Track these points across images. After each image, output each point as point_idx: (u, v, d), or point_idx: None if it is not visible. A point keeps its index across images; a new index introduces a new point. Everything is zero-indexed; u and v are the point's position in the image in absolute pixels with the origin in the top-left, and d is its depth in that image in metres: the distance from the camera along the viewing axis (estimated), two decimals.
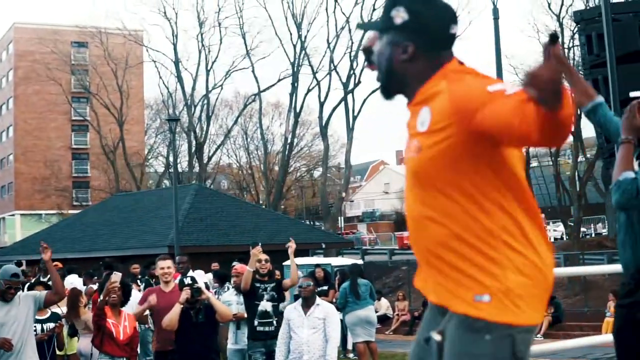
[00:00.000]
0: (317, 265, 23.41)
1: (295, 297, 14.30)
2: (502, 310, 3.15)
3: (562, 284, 32.42)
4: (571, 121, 2.84)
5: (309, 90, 64.69)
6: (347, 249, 51.65)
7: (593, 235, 57.84)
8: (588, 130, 51.38)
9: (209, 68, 69.24)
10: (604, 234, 54.23)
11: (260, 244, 12.79)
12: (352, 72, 61.95)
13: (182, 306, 10.79)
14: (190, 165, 71.31)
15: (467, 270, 3.21)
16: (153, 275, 17.26)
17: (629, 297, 5.78)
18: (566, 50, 51.00)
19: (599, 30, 10.44)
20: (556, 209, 60.43)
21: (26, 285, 13.31)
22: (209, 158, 74.97)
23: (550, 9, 52.98)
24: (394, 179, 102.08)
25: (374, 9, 61.63)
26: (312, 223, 73.96)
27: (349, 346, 20.84)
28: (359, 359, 18.16)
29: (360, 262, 32.74)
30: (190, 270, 16.36)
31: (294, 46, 64.12)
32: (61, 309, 12.59)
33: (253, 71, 67.01)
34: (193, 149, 69.95)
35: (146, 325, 14.80)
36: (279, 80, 67.17)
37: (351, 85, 61.55)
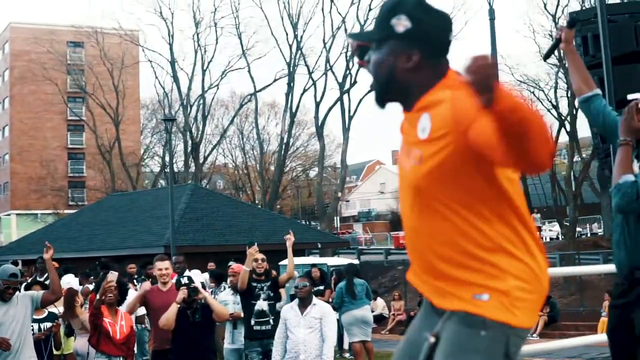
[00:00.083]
0: (314, 265, 23.43)
1: (292, 297, 14.31)
2: (500, 309, 3.19)
3: (557, 283, 32.48)
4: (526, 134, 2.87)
5: (305, 90, 64.74)
6: (343, 249, 51.69)
7: (589, 235, 57.90)
8: (584, 130, 51.50)
9: (205, 68, 69.31)
10: (599, 234, 54.29)
11: (256, 244, 12.83)
12: (348, 72, 61.99)
13: (179, 306, 10.80)
14: (186, 165, 71.34)
15: (468, 277, 3.25)
16: (150, 275, 17.27)
17: (623, 298, 5.81)
18: (562, 51, 51.00)
19: (595, 31, 10.45)
20: (552, 209, 60.55)
21: (23, 285, 13.31)
22: (205, 158, 74.97)
23: (546, 9, 53.07)
24: (390, 179, 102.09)
25: (369, 9, 61.69)
26: (307, 223, 73.99)
27: (345, 346, 20.87)
28: (355, 358, 18.18)
29: (356, 262, 32.76)
30: (187, 270, 16.39)
31: (290, 46, 64.19)
32: (58, 308, 12.60)
33: (249, 71, 67.05)
34: (189, 148, 69.92)
35: (143, 325, 14.83)
36: (275, 80, 67.22)
37: (347, 85, 61.58)
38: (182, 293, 10.82)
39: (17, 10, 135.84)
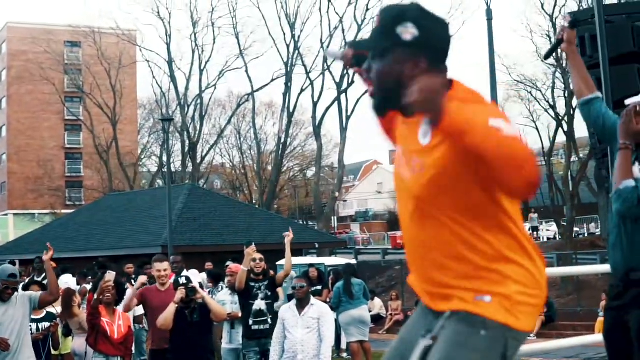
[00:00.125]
0: (311, 265, 23.47)
1: (289, 297, 14.33)
2: (502, 311, 3.22)
3: (555, 283, 32.50)
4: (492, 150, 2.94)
5: (302, 90, 64.70)
6: (340, 249, 51.67)
7: (586, 235, 57.89)
8: (581, 130, 51.54)
9: (202, 68, 69.25)
10: (596, 233, 54.31)
11: (254, 244, 12.84)
12: (345, 72, 61.84)
13: (177, 306, 10.81)
14: (183, 165, 71.29)
15: (470, 284, 3.27)
16: (147, 275, 17.28)
17: (618, 300, 5.82)
18: (559, 50, 51.01)
19: (592, 32, 10.45)
20: (549, 209, 60.57)
21: (21, 285, 13.32)
22: (202, 158, 74.91)
23: (543, 9, 53.09)
24: (387, 179, 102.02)
25: (367, 9, 61.73)
26: (305, 223, 73.97)
27: (343, 346, 20.89)
28: (353, 358, 18.19)
29: (353, 261, 32.79)
30: (185, 270, 16.39)
31: (288, 46, 64.17)
32: (56, 308, 12.61)
33: (246, 71, 67.02)
34: (186, 148, 69.90)
35: (141, 325, 14.84)
36: (273, 80, 67.18)
37: (345, 85, 61.56)
38: (180, 293, 10.83)
39: (14, 10, 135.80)
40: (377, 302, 31.97)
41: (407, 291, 32.93)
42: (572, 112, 50.31)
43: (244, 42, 78.43)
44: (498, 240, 3.25)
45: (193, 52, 69.34)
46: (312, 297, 11.91)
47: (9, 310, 9.94)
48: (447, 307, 3.31)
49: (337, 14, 74.75)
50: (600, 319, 23.31)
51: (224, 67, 70.58)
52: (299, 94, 64.85)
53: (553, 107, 54.21)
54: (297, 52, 63.98)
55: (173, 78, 69.60)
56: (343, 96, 61.71)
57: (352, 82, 61.63)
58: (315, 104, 62.95)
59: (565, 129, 51.95)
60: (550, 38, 52.27)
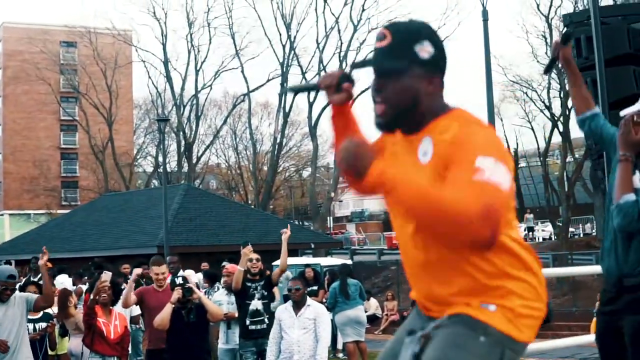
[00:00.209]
0: (307, 266, 23.47)
1: (285, 297, 14.34)
2: (504, 322, 3.24)
3: (550, 284, 32.45)
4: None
5: None
6: (336, 249, 51.70)
7: (581, 235, 57.96)
8: (576, 130, 51.40)
9: (198, 68, 69.30)
10: (592, 234, 54.37)
11: (250, 244, 12.87)
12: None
13: (173, 306, 10.83)
14: (179, 165, 71.30)
15: (475, 297, 3.28)
16: (143, 275, 17.28)
17: (610, 305, 5.83)
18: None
19: (588, 33, 10.48)
20: (545, 209, 60.66)
21: (17, 285, 13.33)
22: (198, 158, 74.93)
23: (539, 10, 53.17)
24: None
25: (363, 9, 61.85)
26: (301, 223, 73.95)
27: (339, 346, 20.89)
28: (349, 358, 18.21)
29: (349, 262, 32.81)
30: (181, 270, 16.41)
31: (283, 46, 64.23)
32: (52, 309, 12.62)
33: (242, 71, 67.05)
34: (182, 149, 69.89)
35: (137, 325, 14.84)
36: (268, 80, 67.23)
37: None
38: (177, 293, 10.84)
39: (10, 10, 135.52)
40: (373, 302, 31.95)
41: (403, 291, 32.97)
42: (567, 113, 50.37)
43: (239, 43, 78.47)
44: (501, 259, 3.26)
45: (189, 52, 69.49)
46: (308, 297, 11.93)
47: (7, 311, 9.95)
48: (449, 311, 3.32)
49: (333, 14, 74.38)
50: (596, 319, 23.34)
51: (219, 67, 70.74)
52: (295, 95, 64.82)
53: (549, 108, 54.29)
54: (292, 52, 64.07)
55: (169, 78, 69.64)
56: None
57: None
58: (310, 104, 63.04)
59: (561, 129, 52.04)
60: (545, 39, 52.37)
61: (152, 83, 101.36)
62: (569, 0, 51.37)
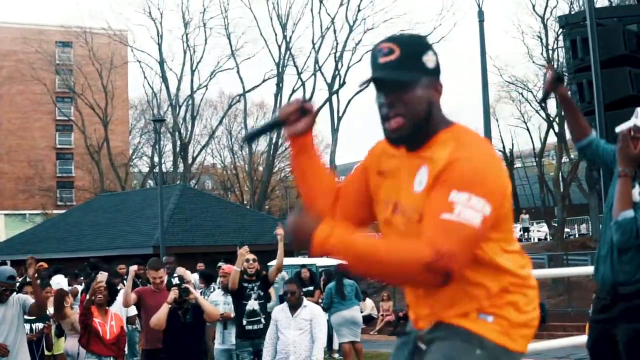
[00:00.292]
0: (303, 266, 23.48)
1: (281, 297, 14.36)
2: (501, 333, 3.27)
3: (546, 284, 32.54)
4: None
5: (293, 91, 64.66)
6: None
7: (577, 236, 57.91)
8: None
9: (193, 68, 69.16)
10: (587, 234, 54.40)
11: (246, 244, 12.89)
12: (337, 72, 62.04)
13: (170, 306, 10.84)
14: (174, 165, 71.19)
15: (472, 311, 3.30)
16: (139, 275, 17.29)
17: (604, 313, 5.86)
18: (550, 52, 51.18)
19: (584, 35, 10.53)
20: (540, 210, 60.69)
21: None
22: (194, 158, 74.84)
23: (534, 10, 53.15)
24: None
25: (358, 10, 61.83)
26: None
27: (335, 346, 20.91)
28: (345, 359, 18.22)
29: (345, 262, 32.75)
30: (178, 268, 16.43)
31: (279, 47, 64.15)
32: (49, 309, 12.63)
33: (238, 72, 66.91)
34: (178, 149, 69.83)
35: (134, 326, 14.86)
36: (264, 80, 67.04)
37: (336, 86, 61.62)
38: (174, 293, 10.85)
39: (5, 10, 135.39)
40: (369, 302, 31.95)
41: (399, 292, 32.97)
42: (562, 114, 50.34)
43: (235, 43, 78.13)
44: (497, 280, 3.29)
45: (184, 52, 69.32)
46: (304, 298, 11.96)
47: (6, 312, 9.97)
48: (447, 320, 3.33)
49: (329, 14, 74.49)
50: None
51: (215, 67, 70.55)
52: (290, 95, 64.84)
53: (544, 108, 54.29)
54: (288, 52, 64.01)
55: (164, 78, 69.56)
56: (334, 97, 61.80)
57: (344, 83, 61.76)
58: None
59: (556, 130, 52.04)
60: (541, 39, 52.42)
61: (148, 83, 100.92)
62: (565, 1, 51.47)
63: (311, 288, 20.55)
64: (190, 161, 72.42)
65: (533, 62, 54.21)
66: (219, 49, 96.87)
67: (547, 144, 58.43)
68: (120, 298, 12.80)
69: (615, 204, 5.61)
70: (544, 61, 52.04)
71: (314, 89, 63.15)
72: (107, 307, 11.49)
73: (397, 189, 3.40)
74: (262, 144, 75.34)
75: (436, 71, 3.35)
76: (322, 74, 62.82)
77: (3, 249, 47.17)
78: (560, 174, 52.08)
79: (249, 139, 3.97)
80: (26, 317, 10.86)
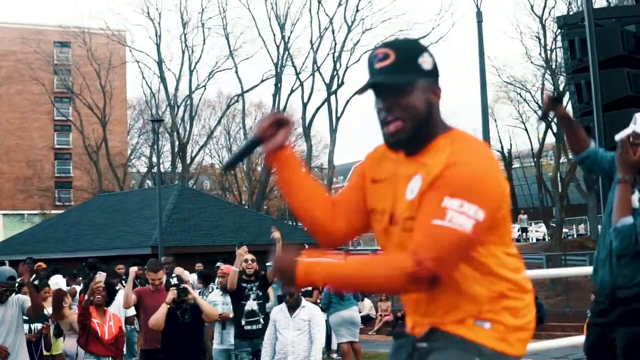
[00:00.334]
0: None
1: (279, 298, 14.37)
2: (498, 339, 3.28)
3: (544, 284, 32.60)
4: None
5: (292, 91, 64.73)
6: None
7: (575, 236, 58.00)
8: None
9: (192, 68, 69.14)
10: (586, 235, 54.43)
11: (245, 244, 12.90)
12: (335, 73, 62.03)
13: (168, 306, 10.85)
14: (173, 165, 71.17)
15: (468, 318, 3.31)
16: (138, 275, 17.28)
17: (603, 317, 5.87)
18: (549, 52, 51.17)
19: (582, 35, 10.53)
20: (538, 210, 60.69)
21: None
22: (192, 158, 74.88)
23: (533, 11, 53.17)
24: None
25: (357, 10, 61.83)
26: (294, 223, 73.88)
27: (333, 346, 20.92)
28: (343, 359, 18.23)
29: None
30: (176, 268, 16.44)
31: (277, 47, 64.12)
32: (47, 309, 12.63)
33: (236, 72, 66.92)
34: (176, 149, 69.81)
35: (132, 326, 14.87)
36: (262, 81, 67.07)
37: (334, 86, 61.63)
38: (172, 293, 10.87)
39: (3, 10, 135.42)
40: (367, 302, 31.95)
41: None
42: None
43: (233, 43, 78.06)
44: (495, 284, 3.30)
45: (183, 52, 69.28)
46: (302, 299, 11.96)
47: (6, 312, 9.99)
48: (444, 328, 3.34)
49: (327, 15, 74.48)
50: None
51: (213, 67, 70.52)
52: (289, 95, 64.98)
53: (542, 109, 54.27)
54: (287, 53, 64.01)
55: (163, 79, 69.57)
56: (333, 97, 61.82)
57: (342, 83, 61.77)
58: (304, 105, 63.04)
59: (555, 130, 52.05)
60: (539, 40, 52.43)
61: (146, 83, 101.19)
62: (563, 1, 51.46)
63: (309, 288, 20.53)
64: (188, 161, 72.43)
65: (531, 62, 54.26)
66: (218, 49, 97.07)
67: (546, 144, 58.43)
68: (118, 298, 12.82)
69: (614, 210, 5.63)
70: (542, 61, 52.06)
71: (312, 89, 63.22)
72: (105, 308, 11.49)
73: (393, 197, 3.41)
74: None
75: (433, 73, 3.35)
76: (321, 74, 62.88)
77: (1, 249, 47.12)
78: (558, 174, 52.05)
79: (230, 166, 3.92)
80: (25, 317, 10.88)
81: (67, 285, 16.81)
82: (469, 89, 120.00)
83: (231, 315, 13.12)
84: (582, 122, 10.87)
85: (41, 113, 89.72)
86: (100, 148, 71.88)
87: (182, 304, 10.89)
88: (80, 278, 17.63)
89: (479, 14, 21.22)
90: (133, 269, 12.47)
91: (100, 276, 11.49)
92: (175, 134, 69.25)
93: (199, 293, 14.91)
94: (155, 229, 35.95)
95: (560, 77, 47.91)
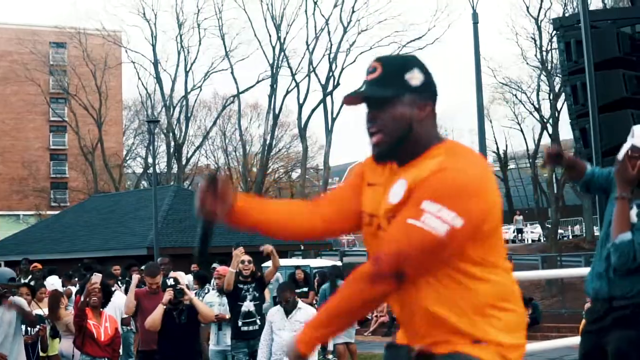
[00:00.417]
0: (297, 267, 23.50)
1: (275, 299, 14.37)
2: (495, 356, 3.28)
3: (539, 285, 32.62)
4: None
5: (287, 92, 64.71)
6: (325, 251, 51.64)
7: (570, 237, 58.07)
8: (565, 132, 51.71)
9: (188, 69, 69.14)
10: (581, 236, 54.50)
11: (241, 245, 12.90)
12: (331, 74, 62.05)
13: (165, 307, 10.86)
14: (168, 166, 71.16)
15: (465, 336, 3.30)
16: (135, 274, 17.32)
17: (597, 324, 5.89)
18: (544, 54, 51.26)
19: (578, 37, 10.56)
20: (534, 211, 60.79)
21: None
22: (188, 159, 74.83)
23: (528, 12, 53.28)
24: None
25: (353, 11, 61.83)
26: None
27: (329, 347, 20.91)
28: None
29: (339, 263, 32.81)
30: (172, 272, 16.43)
31: (273, 48, 64.13)
32: (43, 310, 12.64)
33: (232, 72, 66.91)
34: (172, 150, 69.78)
35: (128, 327, 14.86)
36: (258, 81, 67.07)
37: (330, 87, 61.63)
38: (168, 294, 10.87)
39: None
40: None
41: None
42: (556, 115, 50.51)
43: (229, 44, 78.04)
44: (483, 291, 3.29)
45: (179, 53, 69.32)
46: (299, 300, 11.98)
47: (4, 314, 10.00)
48: (441, 350, 3.33)
49: (323, 16, 74.36)
50: (585, 321, 23.36)
51: (209, 68, 70.51)
52: (285, 96, 64.95)
53: (538, 110, 54.44)
54: (282, 54, 64.00)
55: (158, 79, 69.50)
56: (328, 98, 61.83)
57: (338, 84, 61.79)
58: (300, 106, 63.03)
59: (550, 131, 52.15)
60: (535, 41, 52.52)
61: (142, 84, 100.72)
62: (559, 2, 51.58)
63: (305, 289, 20.57)
64: (184, 162, 72.38)
65: (527, 63, 54.43)
66: (213, 50, 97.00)
67: (541, 145, 58.51)
68: (114, 299, 12.81)
69: (613, 227, 5.65)
70: (538, 62, 52.15)
71: (308, 90, 63.21)
72: (101, 309, 11.48)
73: (379, 202, 3.43)
74: (256, 145, 75.49)
75: (422, 90, 3.37)
76: (316, 75, 62.89)
77: None
78: (554, 176, 52.16)
79: (202, 257, 3.92)
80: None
81: (63, 286, 16.81)
82: (465, 90, 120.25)
83: (227, 316, 13.13)
84: (578, 123, 10.90)
85: (37, 114, 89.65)
86: (96, 149, 71.91)
87: (178, 304, 10.90)
88: (76, 279, 17.63)
89: (474, 15, 21.25)
90: (136, 276, 12.50)
91: (96, 277, 11.46)
92: (170, 134, 69.22)
93: (195, 294, 14.93)
94: (150, 230, 35.95)
95: (556, 78, 48.00)
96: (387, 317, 30.45)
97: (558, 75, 43.42)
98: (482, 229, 3.23)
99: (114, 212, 45.42)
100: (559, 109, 49.69)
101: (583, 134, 10.76)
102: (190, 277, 18.90)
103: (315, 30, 64.43)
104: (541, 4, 52.07)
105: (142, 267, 17.78)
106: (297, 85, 63.52)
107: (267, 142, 66.27)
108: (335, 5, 62.26)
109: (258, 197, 3.82)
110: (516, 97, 58.71)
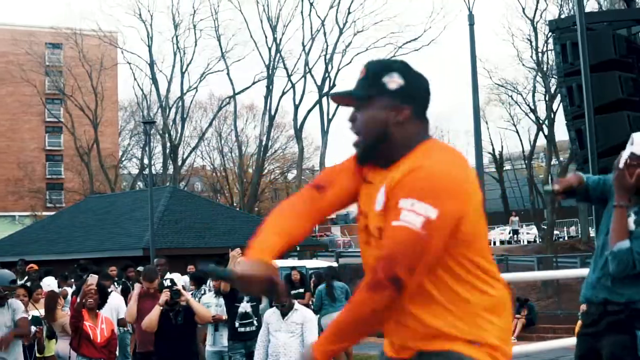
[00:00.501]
0: (293, 268, 23.49)
1: (270, 301, 14.38)
2: (487, 357, 3.29)
3: (535, 286, 32.64)
4: None
5: (283, 93, 64.80)
6: (321, 252, 51.62)
7: (566, 238, 58.14)
8: (561, 133, 51.79)
9: (183, 70, 69.16)
10: (577, 237, 54.57)
11: (238, 247, 12.92)
12: (327, 75, 62.15)
13: (161, 308, 10.87)
14: (164, 167, 71.13)
15: (459, 338, 3.31)
16: (129, 277, 17.35)
17: (593, 327, 5.91)
18: (540, 55, 51.30)
19: (574, 39, 10.57)
20: (530, 212, 60.81)
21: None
22: (183, 160, 74.83)
23: (524, 13, 53.34)
24: None
25: (348, 12, 61.90)
26: None
27: None
28: None
29: (335, 264, 32.81)
30: (168, 273, 16.46)
31: (269, 49, 64.18)
32: (39, 311, 12.64)
33: (228, 74, 66.97)
34: (167, 151, 69.76)
35: (125, 328, 14.87)
36: (254, 82, 67.11)
37: (326, 88, 61.64)
38: (165, 295, 10.89)
39: None
40: None
41: None
42: (552, 116, 50.57)
43: (225, 45, 78.00)
44: (475, 298, 3.31)
45: (174, 54, 69.30)
46: (295, 302, 11.99)
47: (5, 315, 10.01)
48: (434, 346, 3.33)
49: (319, 17, 74.66)
50: (580, 322, 23.37)
51: (205, 69, 70.56)
52: (280, 97, 65.07)
53: (534, 111, 54.49)
54: (278, 55, 64.07)
55: (154, 80, 69.55)
56: (324, 99, 61.82)
57: (334, 85, 61.82)
58: (296, 107, 63.13)
59: (546, 132, 52.22)
60: (531, 42, 52.57)
61: (138, 85, 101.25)
62: (555, 4, 51.64)
63: (301, 290, 20.53)
64: (180, 163, 72.38)
65: (523, 64, 54.48)
66: (209, 51, 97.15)
67: (537, 146, 58.69)
68: (110, 300, 12.81)
69: (611, 235, 5.66)
70: (534, 64, 52.19)
71: (304, 91, 63.30)
72: (97, 310, 11.48)
73: (370, 203, 3.44)
74: (252, 146, 75.48)
75: (400, 93, 3.39)
76: (312, 76, 63.00)
77: None
78: (549, 177, 52.19)
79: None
80: None
81: (59, 286, 16.80)
82: (461, 91, 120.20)
83: (224, 317, 13.13)
84: (574, 124, 10.91)
85: (32, 114, 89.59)
86: (92, 149, 71.85)
87: (175, 305, 10.91)
88: (72, 280, 17.63)
89: (470, 17, 21.28)
90: (138, 286, 12.51)
91: (92, 279, 11.45)
92: (166, 135, 69.21)
93: (192, 295, 14.94)
94: (146, 231, 35.94)
95: (551, 79, 48.04)
96: None
97: (554, 76, 43.48)
98: (461, 229, 3.23)
99: (110, 213, 45.41)
100: (554, 110, 49.75)
101: (579, 135, 10.77)
102: (186, 277, 18.91)
103: (311, 31, 64.75)
104: (537, 6, 52.19)
105: (139, 269, 17.80)
106: (293, 86, 63.66)
107: (263, 143, 66.29)
108: (331, 7, 62.43)
109: (275, 236, 3.82)
110: (512, 99, 58.76)
